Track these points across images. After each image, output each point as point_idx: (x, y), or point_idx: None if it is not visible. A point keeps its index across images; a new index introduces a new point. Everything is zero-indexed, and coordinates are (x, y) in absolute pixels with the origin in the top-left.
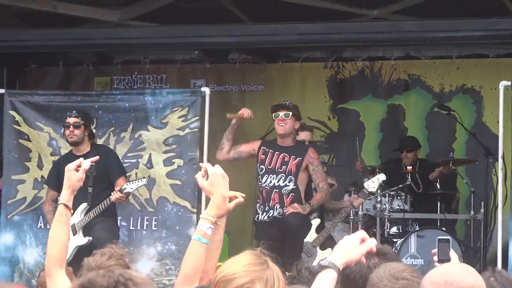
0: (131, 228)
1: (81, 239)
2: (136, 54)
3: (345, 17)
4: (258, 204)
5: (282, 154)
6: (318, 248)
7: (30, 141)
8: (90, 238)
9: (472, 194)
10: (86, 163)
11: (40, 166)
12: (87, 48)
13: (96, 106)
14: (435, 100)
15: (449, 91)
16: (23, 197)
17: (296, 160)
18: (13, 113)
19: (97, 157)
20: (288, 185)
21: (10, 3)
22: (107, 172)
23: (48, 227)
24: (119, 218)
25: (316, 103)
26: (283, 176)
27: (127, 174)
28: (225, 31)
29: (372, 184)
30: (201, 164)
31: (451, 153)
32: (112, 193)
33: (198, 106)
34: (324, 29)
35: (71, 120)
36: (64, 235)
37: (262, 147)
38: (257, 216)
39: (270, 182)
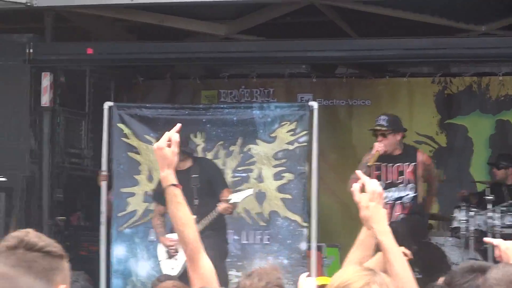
0: (243, 242)
1: None
2: (243, 68)
3: (453, 32)
4: None
5: (396, 165)
6: None
7: (139, 154)
8: None
9: None
10: (175, 136)
11: (150, 179)
12: (195, 61)
13: (204, 120)
14: None
15: None
16: (134, 210)
17: (411, 166)
18: (121, 126)
19: (179, 124)
20: (409, 193)
21: (119, 16)
22: (211, 184)
23: (159, 240)
24: (231, 231)
25: (424, 118)
26: (403, 186)
27: (237, 188)
28: (332, 45)
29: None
30: (357, 171)
31: None
32: (218, 204)
33: (306, 120)
34: (432, 44)
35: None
36: (188, 215)
37: (374, 163)
38: None
39: (392, 195)
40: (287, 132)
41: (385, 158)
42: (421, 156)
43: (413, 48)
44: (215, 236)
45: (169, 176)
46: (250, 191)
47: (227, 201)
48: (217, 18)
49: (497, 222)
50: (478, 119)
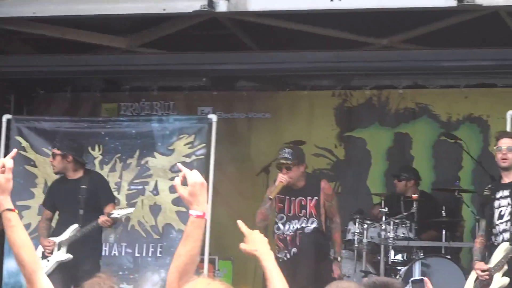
0: (137, 255)
1: (63, 255)
2: (144, 81)
3: (354, 46)
4: (277, 250)
5: (298, 198)
6: (497, 275)
7: (36, 167)
8: (71, 256)
9: (477, 223)
10: (9, 162)
11: (45, 191)
12: (95, 74)
13: (103, 133)
14: (442, 128)
15: (456, 120)
16: (28, 223)
17: (313, 200)
18: (19, 139)
19: (15, 150)
20: (311, 225)
21: (19, 29)
22: (97, 197)
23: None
24: (123, 245)
25: (323, 131)
26: (305, 219)
27: (133, 201)
28: (233, 58)
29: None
30: (178, 164)
31: (457, 182)
32: (100, 216)
33: (205, 133)
34: (333, 57)
35: (53, 150)
36: (24, 237)
37: (278, 196)
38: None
39: (293, 227)
40: (185, 145)
41: (288, 191)
42: (324, 184)
43: (314, 61)
44: (91, 242)
45: (3, 202)
46: (131, 210)
47: (109, 215)
48: (118, 31)
49: (390, 234)
50: (377, 132)
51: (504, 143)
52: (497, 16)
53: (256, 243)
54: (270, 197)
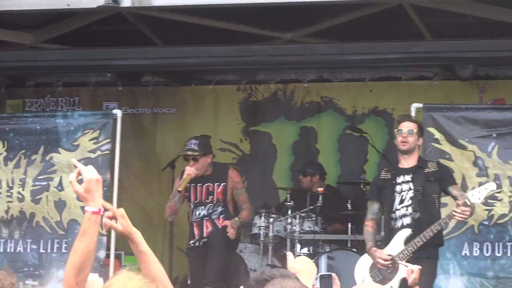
0: (41, 251)
1: None
2: (49, 77)
3: (259, 40)
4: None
5: (206, 184)
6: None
7: None
8: None
9: (382, 216)
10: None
11: None
12: None
13: (7, 129)
14: (347, 122)
15: (361, 114)
16: None
17: (221, 186)
18: None
19: None
20: (217, 209)
21: None
22: None
23: None
24: (29, 241)
25: (228, 125)
26: (211, 205)
27: (38, 197)
28: (138, 53)
29: (478, 194)
30: (73, 160)
31: (363, 175)
32: None
33: (110, 129)
34: (237, 51)
35: None
36: None
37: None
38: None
39: (200, 213)
40: (90, 140)
41: (196, 178)
42: (231, 172)
43: (218, 56)
44: None
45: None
46: None
47: None
48: (23, 27)
49: (296, 228)
50: (283, 126)
51: (405, 126)
52: (401, 9)
53: (130, 225)
54: (179, 189)
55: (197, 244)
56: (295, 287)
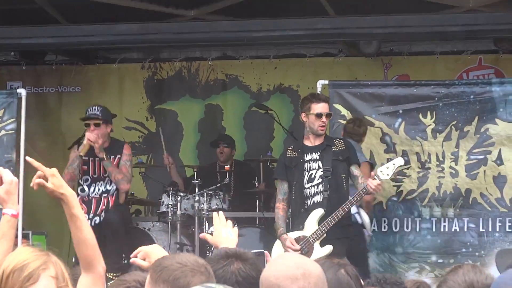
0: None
1: None
2: None
3: (163, 17)
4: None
5: None
6: (317, 244)
7: None
8: None
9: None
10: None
11: None
12: None
13: None
14: (253, 99)
15: (266, 91)
16: None
17: (116, 159)
18: None
19: None
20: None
21: None
22: None
23: None
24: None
25: (134, 104)
26: (109, 181)
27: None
28: (41, 32)
29: (386, 170)
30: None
31: (269, 152)
32: None
33: (14, 108)
34: (141, 29)
35: None
36: None
37: (83, 158)
38: None
39: (99, 189)
40: None
41: (93, 152)
42: (126, 146)
43: (122, 34)
44: None
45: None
46: None
47: None
48: None
49: (204, 206)
50: (188, 104)
51: (324, 108)
52: None
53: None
54: (81, 154)
55: (92, 224)
56: None
